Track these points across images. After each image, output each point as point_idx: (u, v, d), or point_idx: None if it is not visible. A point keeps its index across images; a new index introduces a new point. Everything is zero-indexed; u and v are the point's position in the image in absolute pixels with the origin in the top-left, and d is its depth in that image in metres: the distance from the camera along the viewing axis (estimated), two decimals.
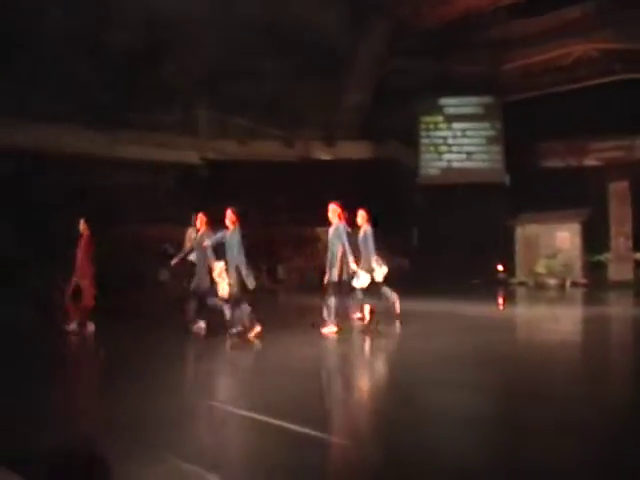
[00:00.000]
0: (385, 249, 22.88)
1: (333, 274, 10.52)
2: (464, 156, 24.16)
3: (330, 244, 10.77)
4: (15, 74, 18.50)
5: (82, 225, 11.29)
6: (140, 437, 5.14)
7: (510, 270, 22.31)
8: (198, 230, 11.25)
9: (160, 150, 22.21)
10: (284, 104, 24.11)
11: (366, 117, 24.49)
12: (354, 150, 24.35)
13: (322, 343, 9.89)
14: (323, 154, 24.60)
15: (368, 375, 8.24)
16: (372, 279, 11.19)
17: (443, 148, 24.37)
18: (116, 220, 18.85)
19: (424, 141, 24.49)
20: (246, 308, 10.14)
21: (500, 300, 17.76)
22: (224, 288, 10.22)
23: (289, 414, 5.67)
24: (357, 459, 4.88)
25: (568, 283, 20.99)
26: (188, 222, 13.71)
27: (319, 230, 23.44)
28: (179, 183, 23.94)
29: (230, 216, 10.38)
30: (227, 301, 10.33)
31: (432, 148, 24.45)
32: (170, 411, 5.99)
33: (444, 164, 24.28)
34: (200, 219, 11.23)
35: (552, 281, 21.17)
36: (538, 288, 20.84)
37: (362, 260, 11.25)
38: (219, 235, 10.54)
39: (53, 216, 16.62)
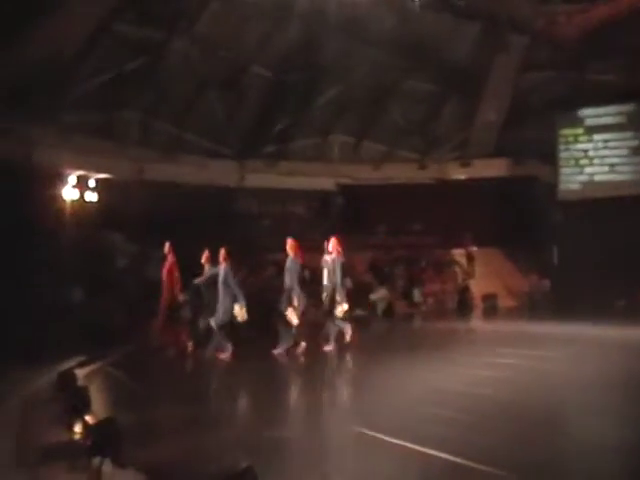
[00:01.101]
0: (526, 269, 22.49)
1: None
2: (607, 168, 23.13)
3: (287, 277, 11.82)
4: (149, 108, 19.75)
5: (167, 248, 12.20)
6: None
7: None
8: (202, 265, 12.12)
9: (295, 178, 22.86)
10: (418, 125, 24.17)
11: (502, 134, 24.06)
12: (490, 169, 23.96)
13: (467, 369, 9.78)
14: (458, 174, 24.38)
15: (520, 402, 7.78)
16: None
17: (584, 161, 23.43)
18: (257, 248, 19.55)
19: (563, 155, 23.66)
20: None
21: None
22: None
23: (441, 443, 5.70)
24: None
25: None
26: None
27: (455, 252, 23.27)
28: (315, 210, 24.50)
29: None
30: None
31: (572, 162, 23.58)
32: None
33: (585, 178, 23.34)
34: (205, 256, 12.09)
35: None
36: None
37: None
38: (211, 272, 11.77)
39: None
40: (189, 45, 19.35)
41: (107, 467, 5.23)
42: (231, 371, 10.79)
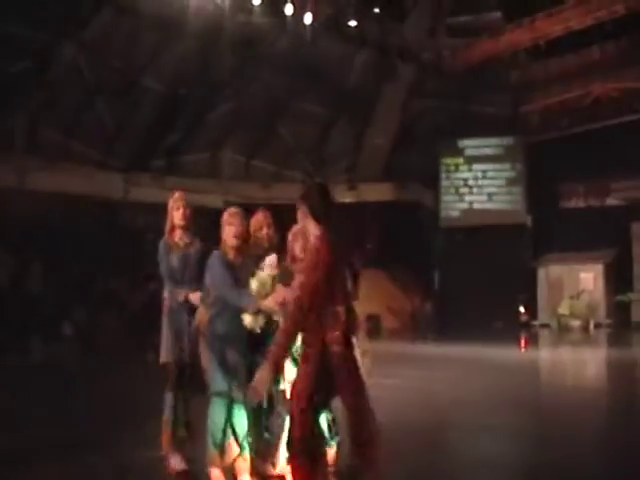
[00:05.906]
0: (409, 291, 23.07)
1: None
2: (485, 197, 24.16)
3: None
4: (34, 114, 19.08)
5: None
6: None
7: (533, 312, 22.18)
8: None
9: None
10: (307, 147, 24.41)
11: (388, 159, 24.65)
12: (376, 192, 24.42)
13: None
14: (345, 197, 24.75)
15: (403, 422, 7.81)
16: None
17: (464, 190, 24.39)
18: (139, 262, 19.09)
19: (445, 183, 24.53)
20: None
21: (522, 343, 17.70)
22: None
23: None
24: None
25: (592, 324, 20.87)
26: None
27: None
28: (203, 227, 24.19)
29: None
30: None
31: (453, 190, 24.49)
32: None
33: (465, 206, 24.27)
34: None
35: (575, 322, 21.06)
36: (561, 330, 20.73)
37: None
38: None
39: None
40: (78, 51, 18.83)
41: None
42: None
